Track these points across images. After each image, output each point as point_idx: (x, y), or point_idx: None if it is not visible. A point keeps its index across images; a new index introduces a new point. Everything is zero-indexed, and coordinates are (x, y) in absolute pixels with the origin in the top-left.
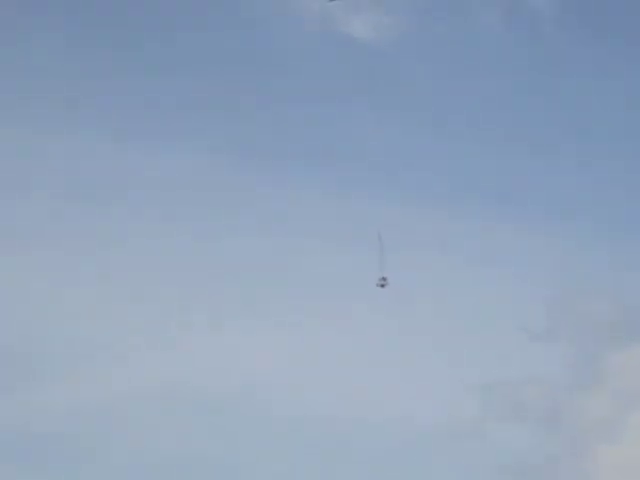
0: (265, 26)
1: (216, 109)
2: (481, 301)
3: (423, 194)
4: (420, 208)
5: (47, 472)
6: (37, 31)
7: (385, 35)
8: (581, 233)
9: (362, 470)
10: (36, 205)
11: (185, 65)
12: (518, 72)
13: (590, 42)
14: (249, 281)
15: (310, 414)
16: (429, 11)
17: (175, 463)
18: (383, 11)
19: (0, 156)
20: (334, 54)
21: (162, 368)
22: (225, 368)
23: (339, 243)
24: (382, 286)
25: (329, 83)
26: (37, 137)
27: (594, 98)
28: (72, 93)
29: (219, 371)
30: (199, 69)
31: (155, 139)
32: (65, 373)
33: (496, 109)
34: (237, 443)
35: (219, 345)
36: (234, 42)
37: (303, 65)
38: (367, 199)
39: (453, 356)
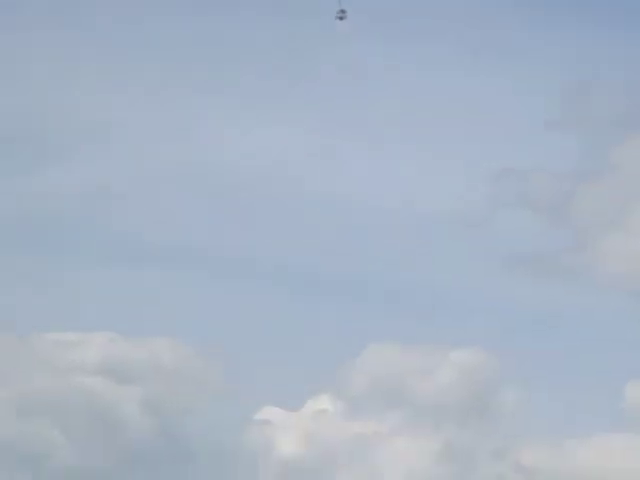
0: None
1: None
2: (496, 89)
3: None
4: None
5: (48, 250)
6: None
7: None
8: (597, 26)
9: (370, 253)
10: None
11: None
12: None
13: None
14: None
15: (320, 200)
16: None
17: (173, 247)
18: None
19: None
20: None
21: (174, 150)
22: (237, 152)
23: None
24: (340, 18)
25: None
26: None
27: None
28: None
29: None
30: None
31: None
32: (67, 154)
33: None
34: (246, 228)
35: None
36: None
37: None
38: None
39: (464, 141)
